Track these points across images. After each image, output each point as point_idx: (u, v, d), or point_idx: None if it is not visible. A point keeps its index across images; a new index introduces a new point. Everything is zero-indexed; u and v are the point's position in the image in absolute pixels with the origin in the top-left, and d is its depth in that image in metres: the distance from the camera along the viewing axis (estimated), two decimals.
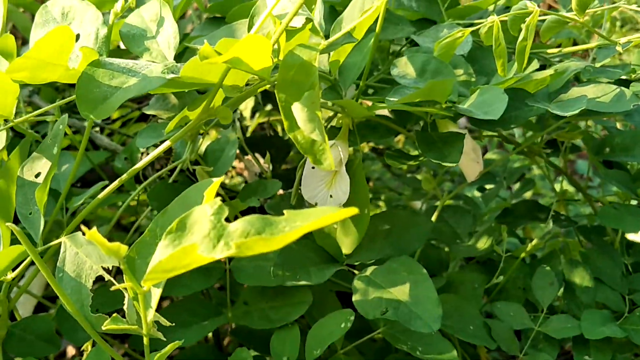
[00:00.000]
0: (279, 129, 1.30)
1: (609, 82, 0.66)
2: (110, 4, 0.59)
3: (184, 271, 0.33)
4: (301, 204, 0.69)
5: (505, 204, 0.92)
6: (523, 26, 0.61)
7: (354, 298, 0.60)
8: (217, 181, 0.41)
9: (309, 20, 0.44)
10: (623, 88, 0.65)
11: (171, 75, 0.39)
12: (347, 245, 0.63)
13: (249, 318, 0.65)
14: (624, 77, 0.71)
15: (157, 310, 0.42)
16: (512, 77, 0.61)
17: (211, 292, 0.77)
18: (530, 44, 0.61)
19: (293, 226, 0.29)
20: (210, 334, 0.85)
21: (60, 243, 0.47)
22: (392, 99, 0.59)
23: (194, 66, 0.38)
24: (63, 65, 0.40)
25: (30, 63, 0.38)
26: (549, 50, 0.75)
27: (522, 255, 0.77)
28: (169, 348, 0.41)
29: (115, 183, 0.51)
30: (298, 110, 0.38)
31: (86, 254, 0.44)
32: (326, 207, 0.36)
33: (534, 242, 0.78)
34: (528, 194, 1.10)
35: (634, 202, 0.86)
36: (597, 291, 0.78)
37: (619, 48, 0.66)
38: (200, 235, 0.31)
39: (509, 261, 0.81)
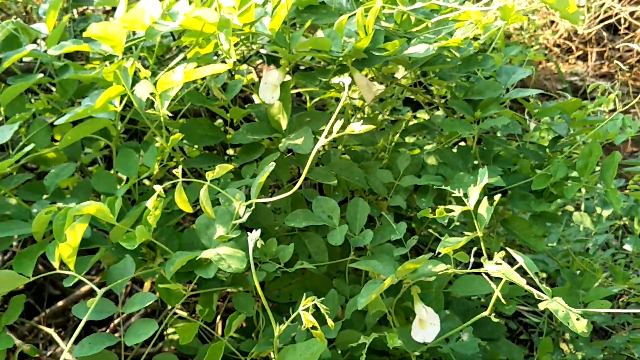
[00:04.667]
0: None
1: (427, 43, 1.23)
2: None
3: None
4: None
5: (404, 119, 1.48)
6: (369, 12, 1.20)
7: (280, 145, 1.22)
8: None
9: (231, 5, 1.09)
10: (432, 45, 1.22)
11: (177, 24, 1.05)
12: (283, 123, 1.26)
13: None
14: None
15: None
16: (361, 40, 1.20)
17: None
18: (373, 21, 1.20)
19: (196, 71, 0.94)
20: None
21: None
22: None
23: (187, 21, 1.03)
24: (142, 22, 1.06)
25: (129, 20, 1.05)
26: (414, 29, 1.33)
27: (391, 146, 1.36)
28: (177, 136, 1.05)
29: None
30: (223, 35, 1.01)
31: None
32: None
33: (396, 137, 1.36)
34: None
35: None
36: (439, 168, 1.34)
37: (429, 24, 1.24)
38: None
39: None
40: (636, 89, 4.31)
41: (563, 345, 1.82)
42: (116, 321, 1.12)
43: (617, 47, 4.52)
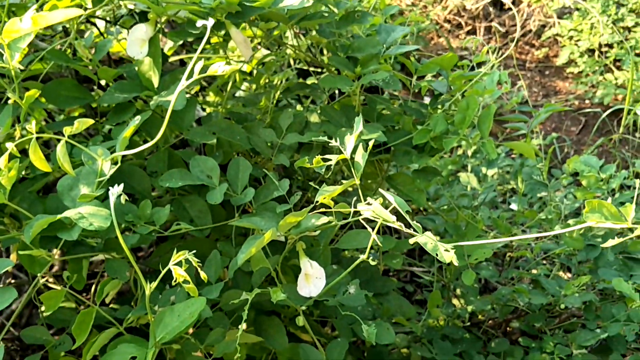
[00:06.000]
0: None
1: None
2: None
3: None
4: None
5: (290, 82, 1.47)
6: None
7: (151, 103, 1.16)
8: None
9: None
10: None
11: None
12: (154, 80, 1.20)
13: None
14: None
15: None
16: None
17: None
18: None
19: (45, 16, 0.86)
20: None
21: None
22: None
23: None
24: None
25: None
26: None
27: (273, 105, 1.33)
28: (32, 92, 0.97)
29: None
30: None
31: None
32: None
33: (277, 94, 1.34)
34: None
35: None
36: (323, 126, 1.33)
37: None
38: None
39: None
40: (521, 61, 4.53)
41: (455, 301, 1.88)
42: None
43: (502, 22, 4.72)
